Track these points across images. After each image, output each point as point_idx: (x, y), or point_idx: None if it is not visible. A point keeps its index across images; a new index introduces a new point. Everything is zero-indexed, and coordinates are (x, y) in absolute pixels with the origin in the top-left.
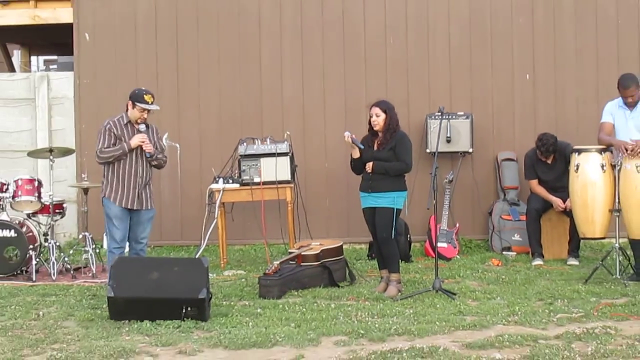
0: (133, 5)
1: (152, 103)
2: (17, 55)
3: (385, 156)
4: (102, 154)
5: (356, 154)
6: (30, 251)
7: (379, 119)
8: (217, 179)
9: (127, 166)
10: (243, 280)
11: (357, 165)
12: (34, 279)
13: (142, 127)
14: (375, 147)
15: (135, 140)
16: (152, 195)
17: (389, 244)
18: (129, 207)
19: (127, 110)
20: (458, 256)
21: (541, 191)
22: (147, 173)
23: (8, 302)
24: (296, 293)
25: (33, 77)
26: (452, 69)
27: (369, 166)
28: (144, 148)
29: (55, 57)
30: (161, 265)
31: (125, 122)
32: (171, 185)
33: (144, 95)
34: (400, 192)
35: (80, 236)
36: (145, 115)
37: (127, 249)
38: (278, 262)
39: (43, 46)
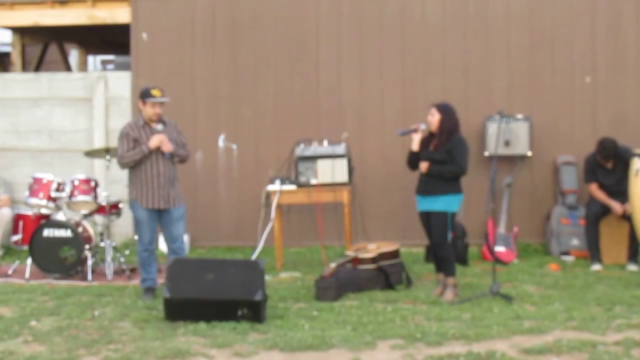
0: (191, 5)
1: (162, 96)
2: (74, 55)
3: (440, 158)
4: (122, 159)
5: (415, 147)
6: (86, 251)
7: (433, 119)
8: (273, 180)
9: (149, 167)
10: (299, 282)
11: (412, 159)
12: (89, 279)
13: (159, 126)
14: (432, 148)
15: (154, 141)
16: (179, 193)
17: (444, 248)
18: (156, 207)
19: (140, 111)
20: (516, 260)
21: (601, 195)
22: (170, 171)
23: (64, 302)
24: (352, 296)
25: (90, 76)
26: (511, 71)
27: (424, 166)
28: (163, 148)
29: (112, 57)
30: (217, 267)
31: (141, 123)
32: (228, 186)
33: (151, 90)
34: (454, 196)
35: (136, 237)
36: (158, 110)
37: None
38: (334, 265)
39: (100, 46)
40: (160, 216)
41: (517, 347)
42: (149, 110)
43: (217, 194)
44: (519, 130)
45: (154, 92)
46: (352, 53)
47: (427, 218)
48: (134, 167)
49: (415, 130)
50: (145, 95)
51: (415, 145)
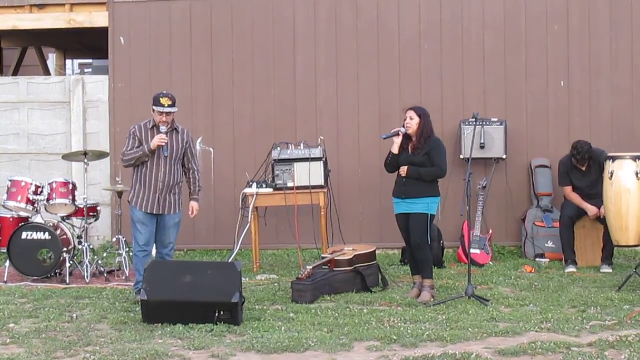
0: (168, 10)
1: (169, 105)
2: (52, 59)
3: (419, 160)
4: (124, 156)
5: (395, 149)
6: (64, 254)
7: (412, 122)
8: (250, 183)
9: (147, 170)
10: (276, 284)
11: (392, 162)
12: (67, 281)
13: (163, 128)
14: (410, 151)
15: (154, 141)
16: (178, 200)
17: (423, 250)
18: (149, 211)
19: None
20: (491, 262)
21: (575, 198)
22: (170, 177)
23: (42, 304)
24: (329, 298)
25: (68, 80)
26: (486, 75)
27: (404, 170)
28: (156, 143)
29: (90, 61)
30: (194, 269)
31: (150, 126)
32: (205, 189)
33: (160, 98)
34: (433, 198)
35: (114, 239)
36: (164, 118)
37: (153, 252)
38: (311, 267)
39: (78, 50)
40: (157, 220)
41: (492, 348)
42: (156, 117)
43: None
44: (494, 133)
45: (163, 100)
46: (329, 57)
47: (405, 221)
48: (136, 168)
49: (398, 134)
50: (154, 102)
51: (395, 148)
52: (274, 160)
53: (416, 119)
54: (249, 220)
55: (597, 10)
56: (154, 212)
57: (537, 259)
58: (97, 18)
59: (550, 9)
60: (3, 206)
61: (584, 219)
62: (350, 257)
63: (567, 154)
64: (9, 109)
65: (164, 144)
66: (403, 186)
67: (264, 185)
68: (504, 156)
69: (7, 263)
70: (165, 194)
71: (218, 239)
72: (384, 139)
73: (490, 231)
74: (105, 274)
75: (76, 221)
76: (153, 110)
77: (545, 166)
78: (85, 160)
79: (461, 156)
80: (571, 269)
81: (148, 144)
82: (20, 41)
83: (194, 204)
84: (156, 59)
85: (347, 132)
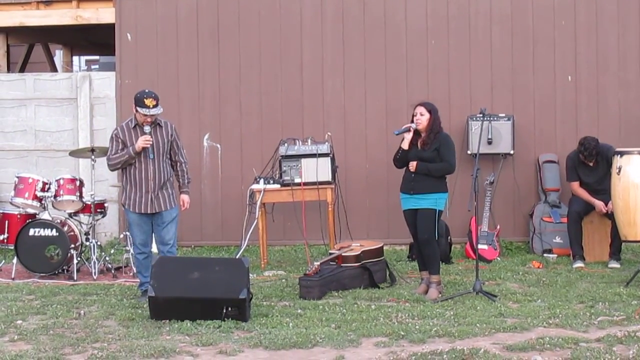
0: (174, 5)
1: (154, 106)
2: (59, 55)
3: (429, 156)
4: (110, 161)
5: (406, 145)
6: (72, 250)
7: (422, 117)
8: (258, 180)
9: (136, 171)
10: (283, 280)
11: (402, 158)
12: (75, 278)
13: (147, 128)
14: (419, 147)
15: (139, 143)
16: (171, 195)
17: (431, 246)
18: (143, 212)
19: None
20: (499, 258)
21: (583, 193)
22: (160, 175)
23: (49, 300)
24: (336, 294)
25: (75, 77)
26: (493, 71)
27: (413, 165)
28: (141, 145)
29: (96, 57)
30: (202, 265)
31: (133, 125)
32: (212, 185)
33: (145, 99)
34: (441, 194)
35: (121, 236)
36: (149, 119)
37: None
38: (318, 263)
39: (85, 46)
40: (153, 219)
41: (500, 344)
42: (140, 117)
43: (201, 193)
44: (502, 129)
45: (147, 101)
46: (336, 53)
47: (413, 216)
48: (124, 170)
49: (409, 130)
50: (137, 102)
51: (406, 144)
52: (282, 156)
53: (427, 115)
54: (257, 216)
55: (604, 5)
56: (148, 212)
57: (545, 255)
58: (103, 14)
59: (557, 4)
60: (10, 203)
61: (592, 215)
62: (358, 253)
63: (575, 149)
64: (16, 106)
65: (149, 145)
66: (411, 182)
67: (271, 182)
68: (512, 152)
69: (15, 260)
70: (157, 191)
71: (225, 235)
72: (396, 135)
73: (498, 227)
74: (112, 271)
75: (84, 218)
76: (136, 110)
77: (553, 162)
78: (93, 157)
79: (469, 152)
80: (579, 264)
81: (133, 146)
82: (27, 38)
83: (184, 197)
84: (163, 55)
85: (355, 128)
